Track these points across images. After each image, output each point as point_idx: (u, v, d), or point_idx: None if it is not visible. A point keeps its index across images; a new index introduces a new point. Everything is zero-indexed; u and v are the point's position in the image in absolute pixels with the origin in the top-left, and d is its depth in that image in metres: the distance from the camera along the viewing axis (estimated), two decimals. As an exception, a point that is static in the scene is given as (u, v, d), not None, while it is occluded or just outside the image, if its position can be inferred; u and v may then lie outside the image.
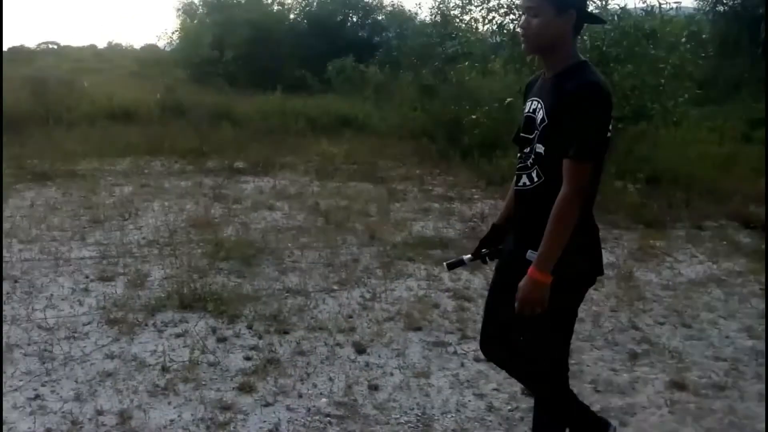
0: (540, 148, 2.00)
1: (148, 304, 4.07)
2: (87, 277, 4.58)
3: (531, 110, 2.07)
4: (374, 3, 20.74)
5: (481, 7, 9.25)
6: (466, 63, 9.56)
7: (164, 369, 3.27)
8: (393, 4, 21.55)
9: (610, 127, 1.97)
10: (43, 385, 3.09)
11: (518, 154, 2.13)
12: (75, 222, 5.98)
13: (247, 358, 3.41)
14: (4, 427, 2.74)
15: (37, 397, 2.99)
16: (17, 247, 5.18)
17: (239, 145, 9.53)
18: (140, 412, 2.87)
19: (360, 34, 20.11)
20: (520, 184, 2.11)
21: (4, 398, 2.96)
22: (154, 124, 11.56)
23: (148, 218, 6.19)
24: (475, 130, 8.55)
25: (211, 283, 4.40)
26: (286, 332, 3.74)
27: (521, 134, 2.11)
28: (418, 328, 3.85)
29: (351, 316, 4.00)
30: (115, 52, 55.87)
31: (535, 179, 2.04)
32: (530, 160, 2.05)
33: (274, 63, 16.91)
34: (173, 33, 23.49)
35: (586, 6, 2.10)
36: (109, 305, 4.05)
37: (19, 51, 62.23)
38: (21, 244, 5.26)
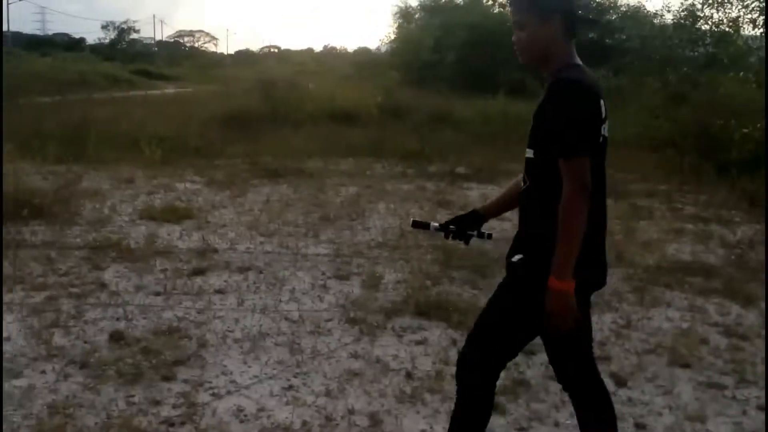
0: (529, 153, 2.05)
1: (385, 307, 4.21)
2: (323, 273, 4.87)
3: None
4: (607, 3, 19.93)
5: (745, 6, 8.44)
6: (740, 74, 8.75)
7: (409, 376, 3.33)
8: (629, 4, 20.49)
9: (605, 127, 1.99)
10: (294, 377, 3.31)
11: None
12: (307, 219, 6.43)
13: (493, 376, 3.35)
14: (264, 413, 2.97)
15: (290, 387, 3.20)
16: (259, 240, 5.69)
17: (460, 150, 9.65)
18: (391, 417, 2.94)
19: (590, 36, 19.43)
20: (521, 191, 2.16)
21: (261, 383, 3.23)
22: (373, 125, 12.17)
23: (375, 220, 6.46)
24: (746, 146, 7.76)
25: (446, 292, 4.44)
26: (532, 353, 3.62)
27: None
28: (686, 365, 3.52)
29: (604, 344, 3.77)
30: (330, 55, 60.39)
31: (522, 185, 2.11)
32: (524, 167, 2.09)
33: (494, 66, 16.94)
34: (391, 36, 24.58)
35: (573, 9, 2.07)
36: (347, 304, 4.26)
37: (245, 54, 69.71)
38: (262, 237, 5.77)
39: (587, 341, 2.24)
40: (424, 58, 17.78)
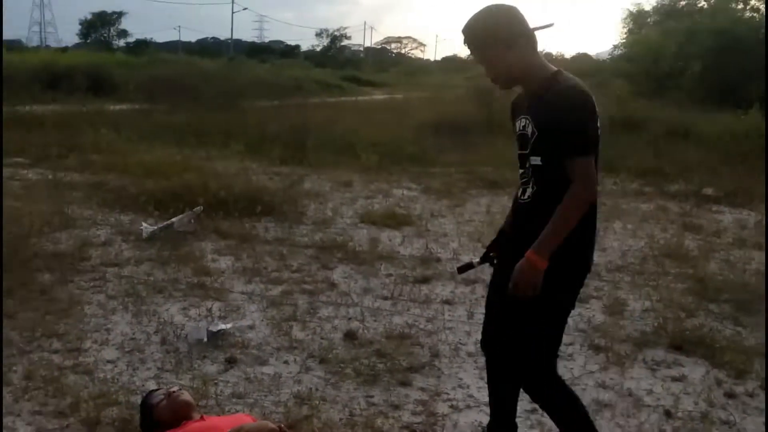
0: (535, 160, 2.31)
1: (633, 336, 4.04)
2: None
3: (522, 128, 2.37)
4: None
5: None
6: None
7: (668, 414, 3.16)
8: None
9: (599, 125, 2.28)
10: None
11: (520, 171, 2.44)
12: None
13: (772, 427, 3.08)
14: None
15: (534, 410, 3.16)
16: (483, 252, 5.72)
17: (706, 169, 9.03)
18: (652, 457, 2.81)
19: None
20: (524, 197, 2.42)
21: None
22: (603, 138, 11.78)
23: (611, 240, 6.24)
24: None
25: (703, 326, 4.16)
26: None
27: (518, 151, 2.42)
28: None
29: None
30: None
31: (530, 191, 2.38)
32: (529, 173, 2.36)
33: (745, 77, 15.63)
34: (622, 43, 23.71)
35: (531, 27, 2.31)
36: (589, 329, 4.14)
37: (452, 61, 71.20)
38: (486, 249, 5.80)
39: (558, 331, 2.51)
40: (663, 67, 16.77)
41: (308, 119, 12.36)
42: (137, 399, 3.04)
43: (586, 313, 4.41)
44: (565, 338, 3.95)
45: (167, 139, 10.72)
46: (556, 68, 2.34)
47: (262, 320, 4.12)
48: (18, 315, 3.95)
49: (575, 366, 3.65)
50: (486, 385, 3.39)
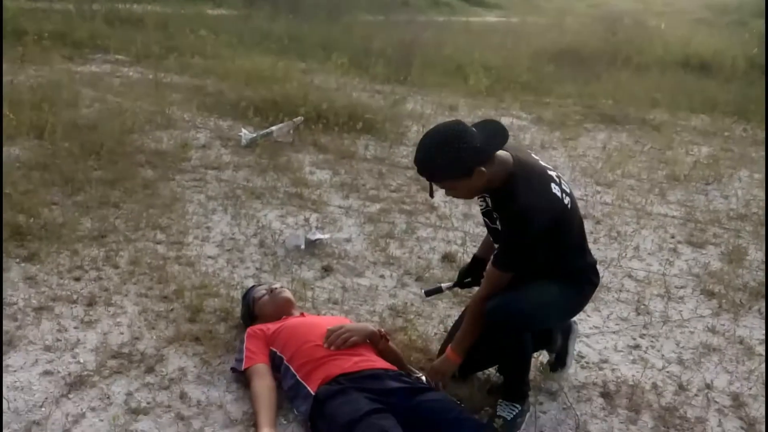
0: None
1: (751, 286, 4.04)
2: (673, 237, 4.79)
3: (492, 219, 2.56)
4: None
5: None
6: None
7: (783, 366, 3.21)
8: None
9: (568, 202, 2.52)
10: (641, 337, 3.38)
11: (495, 245, 2.61)
12: (651, 175, 6.31)
13: None
14: (607, 366, 3.09)
15: (636, 347, 3.29)
16: (595, 188, 5.75)
17: None
18: (757, 403, 2.88)
19: None
20: None
21: (602, 336, 3.35)
22: (738, 81, 11.32)
23: (735, 188, 6.12)
24: None
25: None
26: None
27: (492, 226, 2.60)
28: None
29: None
30: (681, -7, 56.40)
31: None
32: None
33: None
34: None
35: (485, 151, 2.36)
36: (703, 275, 4.16)
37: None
38: (598, 186, 5.82)
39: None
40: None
41: (415, 37, 12.35)
42: (237, 293, 3.33)
43: (701, 258, 4.43)
44: (677, 281, 4.08)
45: (266, 46, 10.99)
46: (512, 165, 2.41)
47: (359, 235, 4.34)
48: (123, 205, 4.32)
49: (685, 309, 3.71)
50: (588, 318, 3.53)
